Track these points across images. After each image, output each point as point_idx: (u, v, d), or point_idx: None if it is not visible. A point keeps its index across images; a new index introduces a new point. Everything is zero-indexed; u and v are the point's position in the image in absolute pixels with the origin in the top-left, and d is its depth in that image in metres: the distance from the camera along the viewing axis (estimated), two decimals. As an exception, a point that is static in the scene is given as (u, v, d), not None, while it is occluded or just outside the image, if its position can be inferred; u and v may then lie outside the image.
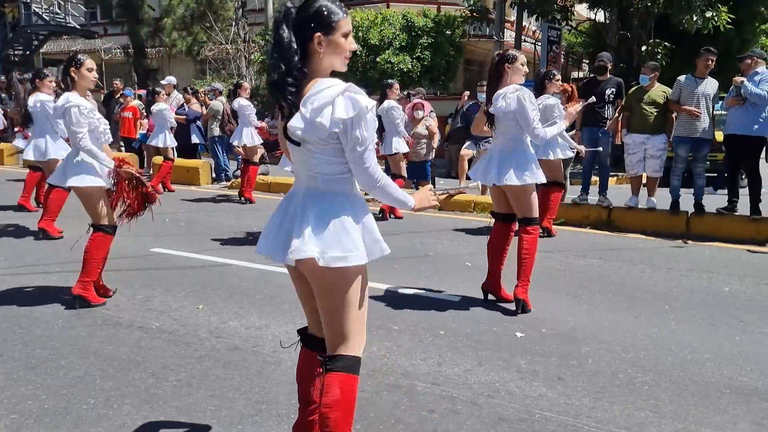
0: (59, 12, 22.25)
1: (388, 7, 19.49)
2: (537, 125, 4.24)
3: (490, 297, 4.63)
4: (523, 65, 4.30)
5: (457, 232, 7.10)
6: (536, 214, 4.41)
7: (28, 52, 22.19)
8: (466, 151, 8.73)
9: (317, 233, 2.08)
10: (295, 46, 2.06)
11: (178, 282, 4.99)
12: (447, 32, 17.12)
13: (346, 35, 2.12)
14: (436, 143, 9.29)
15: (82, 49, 22.88)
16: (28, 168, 7.91)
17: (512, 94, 4.19)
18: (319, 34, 2.07)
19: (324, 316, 2.22)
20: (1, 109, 10.85)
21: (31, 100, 6.62)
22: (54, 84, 6.72)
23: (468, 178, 8.80)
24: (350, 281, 2.15)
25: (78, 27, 22.84)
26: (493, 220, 4.64)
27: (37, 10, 21.29)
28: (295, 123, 2.05)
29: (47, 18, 21.49)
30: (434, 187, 9.77)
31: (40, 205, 7.31)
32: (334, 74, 2.18)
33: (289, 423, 2.84)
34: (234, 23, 19.15)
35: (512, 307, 4.40)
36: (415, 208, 2.34)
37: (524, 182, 4.26)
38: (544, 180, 4.47)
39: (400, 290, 4.81)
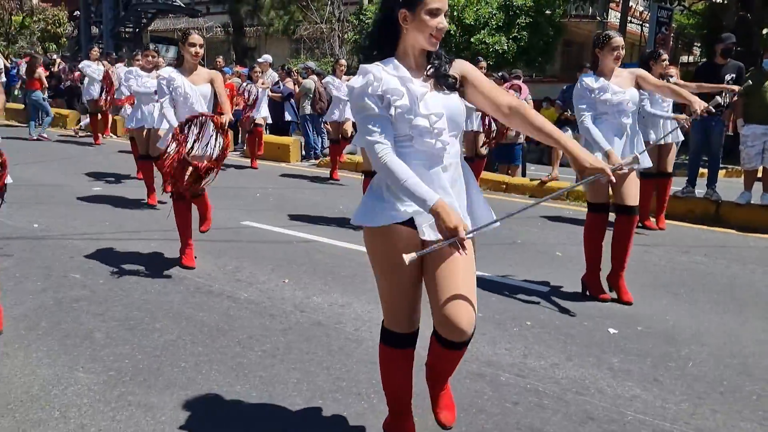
0: (167, -9, 23.27)
1: (485, -15, 18.99)
2: (582, 116, 4.14)
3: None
4: (615, 49, 4.10)
5: (547, 220, 6.84)
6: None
7: (137, 30, 23.38)
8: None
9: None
10: (380, 25, 2.10)
11: (265, 255, 5.10)
12: (547, 12, 16.46)
13: (432, 12, 2.04)
14: (528, 127, 8.96)
15: (186, 28, 23.88)
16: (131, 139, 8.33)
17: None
18: (404, 10, 2.05)
19: (462, 287, 2.15)
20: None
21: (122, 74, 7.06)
22: (142, 62, 7.23)
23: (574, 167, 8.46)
24: (370, 248, 2.33)
25: (183, 5, 23.79)
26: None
27: (147, -12, 22.36)
28: None
29: (156, -3, 22.53)
30: (525, 171, 9.47)
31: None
32: (428, 54, 2.16)
33: (369, 402, 2.83)
34: (329, 3, 19.32)
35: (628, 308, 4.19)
36: (433, 211, 1.97)
37: None
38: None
39: (486, 277, 4.68)
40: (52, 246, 5.07)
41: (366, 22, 16.67)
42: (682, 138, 6.67)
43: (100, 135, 11.73)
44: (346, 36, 18.30)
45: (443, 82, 2.14)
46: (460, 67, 2.21)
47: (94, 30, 23.18)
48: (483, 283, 4.51)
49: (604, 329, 3.79)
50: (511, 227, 6.36)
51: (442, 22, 2.07)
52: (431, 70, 2.15)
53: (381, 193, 2.16)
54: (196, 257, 4.72)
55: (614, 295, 4.28)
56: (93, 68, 11.29)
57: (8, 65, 16.13)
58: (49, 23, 23.55)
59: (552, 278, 4.73)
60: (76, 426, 2.56)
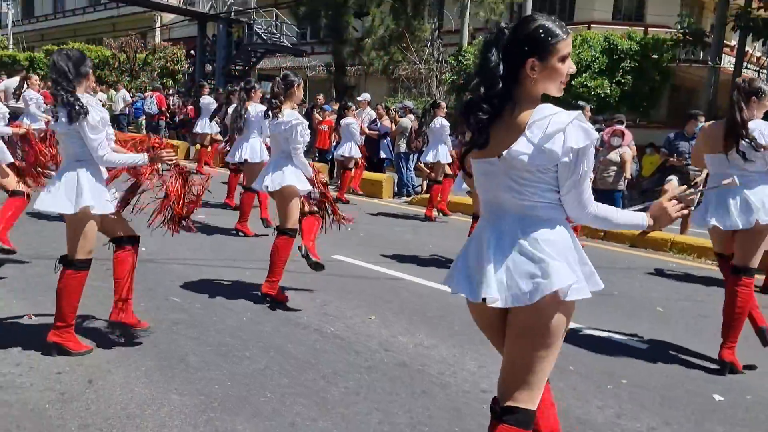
0: (275, 32, 24.66)
1: (588, 28, 18.69)
2: None
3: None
4: None
5: (649, 274, 6.49)
6: (756, 263, 3.85)
7: (246, 68, 24.85)
8: (671, 185, 7.86)
9: (549, 264, 1.92)
10: (501, 71, 1.94)
11: (353, 290, 5.15)
12: (653, 56, 15.93)
13: (563, 59, 1.95)
14: (628, 173, 8.62)
15: (291, 66, 25.10)
16: (232, 170, 8.74)
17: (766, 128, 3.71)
18: (533, 59, 1.92)
19: (515, 358, 2.02)
20: (218, 117, 12.26)
21: (252, 109, 7.33)
22: (261, 95, 7.52)
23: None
24: (565, 320, 1.99)
25: (290, 46, 25.10)
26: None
27: (258, 30, 23.82)
28: (521, 148, 1.90)
29: (265, 38, 23.93)
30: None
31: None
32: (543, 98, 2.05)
33: (451, 451, 2.75)
34: (429, 44, 19.66)
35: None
36: (652, 228, 2.08)
37: None
38: None
39: (579, 328, 4.49)
40: (156, 269, 5.37)
41: (465, 63, 16.80)
42: None
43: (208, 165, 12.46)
44: (444, 77, 18.50)
45: None
46: None
47: (208, 67, 24.87)
48: (575, 336, 4.32)
49: (708, 394, 3.51)
50: (609, 278, 6.06)
51: (572, 66, 2.00)
52: None
53: (572, 257, 2.00)
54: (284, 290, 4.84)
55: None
56: (213, 106, 12.10)
57: (132, 99, 17.59)
58: (169, 60, 25.46)
59: (651, 334, 4.46)
60: (166, 446, 2.66)
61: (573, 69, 2.01)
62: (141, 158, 3.57)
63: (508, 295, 1.94)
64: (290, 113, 4.68)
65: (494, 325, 2.12)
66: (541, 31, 1.92)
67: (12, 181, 5.24)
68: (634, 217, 2.06)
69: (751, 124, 3.74)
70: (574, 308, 2.01)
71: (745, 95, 3.81)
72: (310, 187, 4.82)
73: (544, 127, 1.89)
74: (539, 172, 1.94)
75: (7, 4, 37.81)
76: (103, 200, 3.45)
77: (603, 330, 4.51)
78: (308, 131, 4.85)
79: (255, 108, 7.32)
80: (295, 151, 4.71)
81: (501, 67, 1.95)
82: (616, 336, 4.42)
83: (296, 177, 4.68)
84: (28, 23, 43.15)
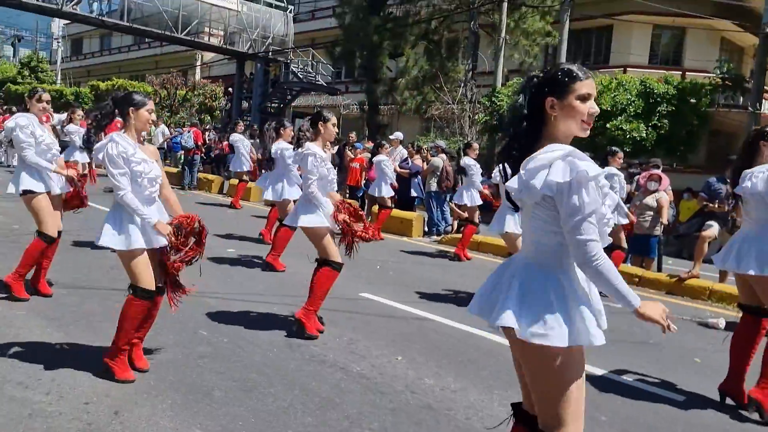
0: (311, 71, 25.24)
1: (624, 72, 18.66)
2: None
3: (729, 401, 3.97)
4: None
5: (686, 322, 6.29)
6: None
7: (282, 105, 25.41)
8: (709, 232, 7.63)
9: (519, 304, 2.03)
10: (525, 112, 2.07)
11: (381, 329, 5.10)
12: (691, 100, 15.75)
13: (582, 98, 2.04)
14: (665, 219, 8.44)
15: (325, 104, 25.59)
16: (269, 206, 8.88)
17: (760, 173, 3.69)
18: (551, 98, 2.04)
19: (532, 392, 2.16)
20: (253, 153, 12.56)
21: (274, 147, 7.49)
22: (292, 133, 7.65)
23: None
24: (552, 362, 2.01)
25: (325, 85, 25.62)
26: (740, 313, 4.05)
27: (294, 69, 24.41)
28: (511, 183, 2.05)
29: (301, 76, 24.50)
30: (660, 265, 8.85)
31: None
32: (576, 139, 2.12)
33: (477, 502, 2.65)
34: (462, 84, 19.84)
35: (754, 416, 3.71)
36: (639, 312, 2.00)
37: (763, 273, 3.69)
38: None
39: (612, 377, 4.34)
40: (188, 302, 5.38)
41: (498, 104, 16.87)
42: None
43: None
44: (477, 117, 18.57)
45: None
46: None
47: (244, 104, 25.50)
48: (608, 384, 4.18)
49: (750, 453, 3.35)
50: (644, 326, 5.87)
51: (593, 106, 2.06)
52: None
53: (582, 307, 2.03)
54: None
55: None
56: (245, 144, 12.48)
57: (171, 134, 18.07)
58: (207, 97, 26.21)
59: (689, 386, 4.29)
60: (186, 483, 2.62)
61: (595, 109, 2.06)
62: (149, 218, 3.54)
63: (485, 313, 2.17)
64: (307, 146, 4.72)
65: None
66: (559, 73, 2.06)
67: (54, 221, 5.07)
68: (629, 293, 1.99)
69: (747, 171, 3.76)
70: (567, 353, 2.00)
71: (750, 143, 3.86)
72: (327, 224, 4.70)
73: (532, 162, 1.99)
74: (536, 209, 2.03)
75: (58, 42, 39.62)
76: (120, 238, 3.51)
77: (638, 379, 4.36)
78: (327, 164, 4.79)
79: (278, 146, 7.47)
80: (306, 181, 4.69)
81: (525, 108, 2.08)
82: (652, 387, 4.26)
83: (311, 216, 4.65)
84: (76, 60, 45.13)
